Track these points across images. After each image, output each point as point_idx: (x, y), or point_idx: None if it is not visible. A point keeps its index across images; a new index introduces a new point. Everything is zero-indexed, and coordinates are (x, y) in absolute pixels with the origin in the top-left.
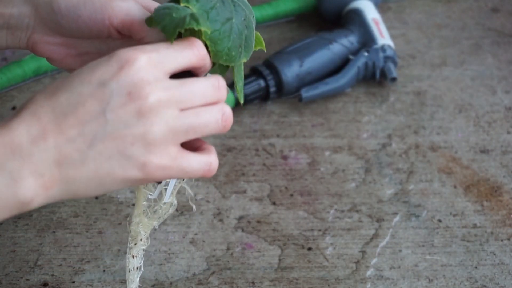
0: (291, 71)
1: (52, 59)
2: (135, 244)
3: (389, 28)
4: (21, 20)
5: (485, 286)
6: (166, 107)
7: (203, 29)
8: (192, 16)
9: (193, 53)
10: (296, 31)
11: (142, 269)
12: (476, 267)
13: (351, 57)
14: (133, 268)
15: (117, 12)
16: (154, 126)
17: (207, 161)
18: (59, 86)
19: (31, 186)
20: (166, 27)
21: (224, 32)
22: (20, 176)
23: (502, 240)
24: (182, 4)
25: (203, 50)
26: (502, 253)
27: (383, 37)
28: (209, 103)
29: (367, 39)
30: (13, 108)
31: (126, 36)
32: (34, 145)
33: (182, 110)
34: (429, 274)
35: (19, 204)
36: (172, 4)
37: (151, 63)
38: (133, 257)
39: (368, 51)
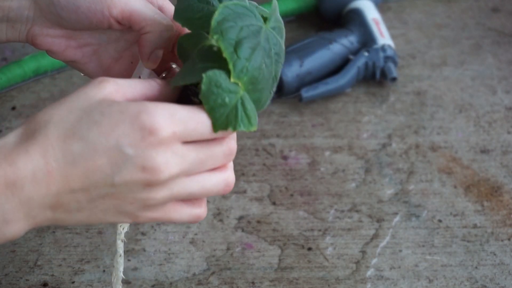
0: (291, 71)
1: (53, 52)
2: (123, 228)
3: (389, 28)
4: (21, 13)
5: (485, 286)
6: (175, 179)
7: (251, 130)
8: (244, 110)
9: (221, 148)
10: (296, 31)
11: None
12: (476, 267)
13: (351, 57)
14: (123, 252)
15: (116, 2)
16: (158, 194)
17: (196, 214)
18: (76, 128)
19: (21, 227)
20: (216, 115)
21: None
22: (14, 219)
23: (502, 240)
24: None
25: (233, 148)
26: (503, 253)
27: (383, 37)
28: (216, 168)
29: (367, 39)
30: (13, 108)
31: (126, 27)
32: (36, 190)
33: (188, 175)
34: (429, 274)
35: (3, 239)
36: (219, 73)
37: (175, 137)
38: (121, 241)
39: (368, 51)
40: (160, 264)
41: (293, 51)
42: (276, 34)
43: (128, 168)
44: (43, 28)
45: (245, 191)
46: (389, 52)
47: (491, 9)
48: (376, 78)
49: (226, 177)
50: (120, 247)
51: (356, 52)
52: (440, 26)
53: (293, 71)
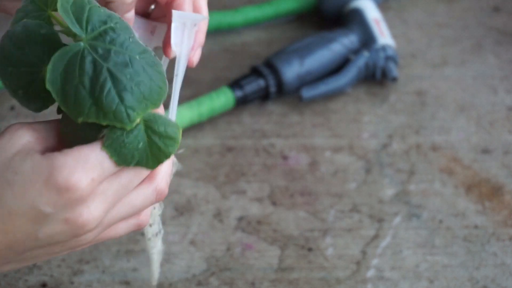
0: (291, 71)
1: None
2: (150, 225)
3: (389, 27)
4: None
5: (486, 286)
6: (101, 219)
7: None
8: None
9: (150, 191)
10: (296, 31)
11: (162, 231)
12: (477, 268)
13: (351, 56)
14: (153, 234)
15: None
16: (88, 237)
17: (134, 225)
18: None
19: None
20: (121, 157)
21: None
22: None
23: (503, 241)
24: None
25: (164, 190)
26: (504, 254)
27: (383, 36)
28: (141, 181)
29: (367, 39)
30: (12, 108)
31: None
32: None
33: (115, 205)
34: (430, 275)
35: None
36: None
37: (93, 184)
38: (150, 225)
39: (368, 51)
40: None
41: (293, 51)
42: (100, 40)
43: (51, 224)
44: (13, 1)
45: (245, 191)
46: (390, 52)
47: (492, 8)
48: (376, 78)
49: (155, 187)
50: (149, 230)
51: (356, 52)
52: (441, 26)
53: (293, 71)
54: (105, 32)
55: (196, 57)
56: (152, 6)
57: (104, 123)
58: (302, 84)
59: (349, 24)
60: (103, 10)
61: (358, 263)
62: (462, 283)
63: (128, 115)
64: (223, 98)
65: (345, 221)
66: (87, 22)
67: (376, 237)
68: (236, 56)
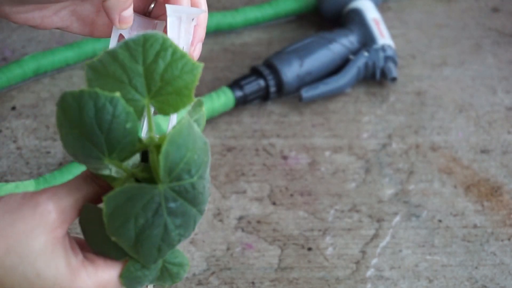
0: (291, 71)
1: (31, 26)
2: None
3: (389, 27)
4: None
5: (485, 286)
6: None
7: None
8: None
9: None
10: (296, 31)
11: None
12: (476, 267)
13: (351, 57)
14: None
15: None
16: None
17: None
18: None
19: None
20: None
21: None
22: None
23: (502, 240)
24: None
25: None
26: (503, 253)
27: (383, 37)
28: None
29: (367, 39)
30: (13, 108)
31: None
32: None
33: None
34: (429, 274)
35: None
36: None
37: None
38: None
39: (368, 51)
40: None
41: (293, 51)
42: (177, 192)
43: None
44: (13, 7)
45: (245, 191)
46: (389, 52)
47: (491, 9)
48: (376, 78)
49: None
50: None
51: (356, 52)
52: (440, 26)
53: (293, 71)
54: (185, 187)
55: (196, 53)
56: (152, 5)
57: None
58: (302, 84)
59: (349, 24)
60: (197, 157)
61: (357, 262)
62: (461, 282)
63: (156, 260)
64: (223, 98)
65: (345, 221)
66: (175, 168)
67: (375, 236)
68: (236, 56)
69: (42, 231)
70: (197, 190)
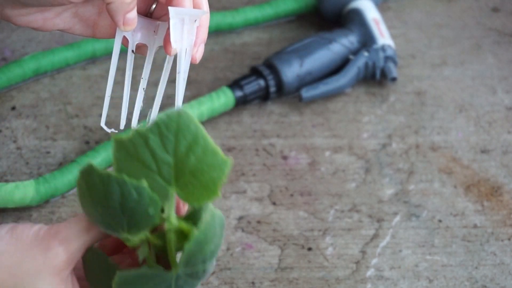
0: (291, 71)
1: (33, 28)
2: None
3: (389, 27)
4: None
5: (485, 286)
6: None
7: None
8: None
9: None
10: (296, 31)
11: None
12: (476, 267)
13: (351, 57)
14: None
15: None
16: None
17: None
18: None
19: None
20: None
21: None
22: None
23: (502, 240)
24: None
25: None
26: (503, 253)
27: (383, 36)
28: None
29: (367, 39)
30: (13, 108)
31: None
32: None
33: None
34: (429, 274)
35: None
36: None
37: None
38: None
39: (368, 51)
40: None
41: (293, 51)
42: (189, 275)
43: None
44: (14, 9)
45: (245, 191)
46: (389, 52)
47: (491, 8)
48: (376, 78)
49: None
50: None
51: (356, 52)
52: (440, 26)
53: (293, 71)
54: (197, 272)
55: (199, 54)
56: (154, 6)
57: None
58: (302, 84)
59: (349, 24)
60: (214, 247)
61: (357, 262)
62: (461, 282)
63: None
64: (223, 98)
65: (345, 221)
66: (193, 261)
67: (375, 236)
68: (236, 56)
69: (50, 272)
70: (207, 272)
